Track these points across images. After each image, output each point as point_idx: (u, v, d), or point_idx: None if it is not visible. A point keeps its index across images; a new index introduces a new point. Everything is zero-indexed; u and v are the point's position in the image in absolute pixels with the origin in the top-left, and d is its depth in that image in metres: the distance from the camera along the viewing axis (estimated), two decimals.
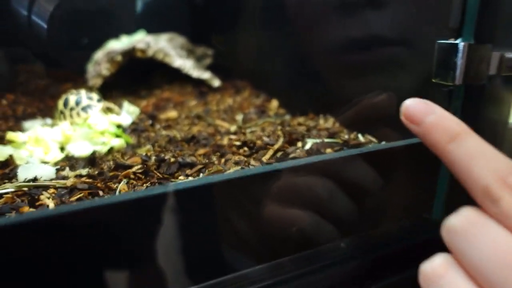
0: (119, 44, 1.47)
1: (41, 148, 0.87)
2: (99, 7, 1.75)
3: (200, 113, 1.19)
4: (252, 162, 0.75)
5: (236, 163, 0.77)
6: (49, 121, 1.08)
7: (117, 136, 0.98)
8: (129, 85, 1.58)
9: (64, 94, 1.07)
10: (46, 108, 1.30)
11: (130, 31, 1.66)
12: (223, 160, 0.79)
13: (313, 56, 1.00)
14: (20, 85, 1.56)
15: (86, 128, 0.94)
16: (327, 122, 0.98)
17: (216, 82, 1.44)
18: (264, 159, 0.77)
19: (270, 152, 0.79)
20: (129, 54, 1.41)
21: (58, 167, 0.76)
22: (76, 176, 0.73)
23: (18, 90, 1.49)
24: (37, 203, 0.60)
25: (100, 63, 1.42)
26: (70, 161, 0.83)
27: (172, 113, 1.21)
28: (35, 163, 0.75)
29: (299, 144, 0.84)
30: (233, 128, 1.09)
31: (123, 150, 0.91)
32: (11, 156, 0.77)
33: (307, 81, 1.10)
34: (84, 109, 1.01)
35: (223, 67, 1.65)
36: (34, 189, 0.64)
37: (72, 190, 0.64)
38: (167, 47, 1.47)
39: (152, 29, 1.69)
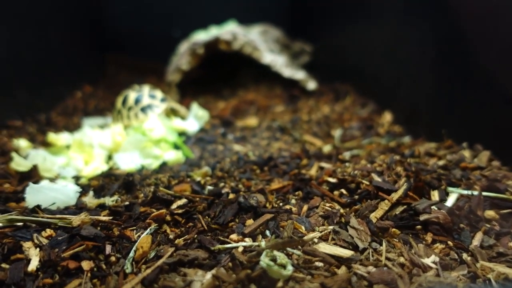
0: (204, 35, 1.29)
1: (82, 156, 0.70)
2: None
3: (286, 123, 0.92)
4: (353, 221, 0.45)
5: (325, 217, 0.48)
6: (110, 120, 0.93)
7: (176, 147, 0.77)
8: (212, 83, 1.40)
9: (126, 90, 0.90)
10: None
11: (223, 21, 1.47)
12: (305, 207, 0.51)
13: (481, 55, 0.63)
14: (105, 76, 1.49)
15: (139, 134, 0.74)
16: (479, 158, 0.61)
17: (312, 85, 1.15)
18: (374, 217, 0.46)
19: (384, 207, 0.48)
20: (213, 46, 1.21)
21: (82, 190, 0.57)
22: (97, 207, 0.52)
23: (102, 81, 1.42)
24: (14, 256, 0.40)
25: (182, 56, 1.25)
26: (107, 179, 0.64)
27: (252, 121, 0.97)
28: (54, 184, 0.56)
29: (435, 194, 0.51)
30: (326, 148, 0.80)
31: (177, 167, 0.69)
32: (35, 167, 0.60)
33: (448, 89, 0.74)
34: (143, 109, 0.83)
35: (323, 66, 1.35)
36: (28, 228, 0.44)
37: (72, 237, 0.43)
38: (257, 40, 1.23)
39: (246, 19, 1.48)
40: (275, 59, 1.18)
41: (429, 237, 0.43)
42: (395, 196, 0.49)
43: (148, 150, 0.72)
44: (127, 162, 0.71)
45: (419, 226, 0.45)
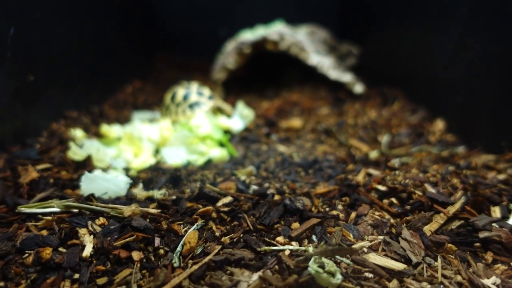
0: (251, 35, 1.29)
1: (132, 149, 0.72)
2: None
3: (331, 126, 0.90)
4: (405, 232, 0.43)
5: (375, 226, 0.46)
6: (158, 115, 0.95)
7: (221, 144, 0.78)
8: (256, 81, 1.40)
9: (174, 86, 0.92)
10: None
11: (269, 20, 1.47)
12: (353, 214, 0.49)
13: None
14: (153, 72, 1.54)
15: (186, 131, 0.76)
16: None
17: (359, 88, 1.12)
18: (428, 230, 0.44)
19: (440, 220, 0.45)
20: (260, 46, 1.21)
21: (132, 181, 0.59)
22: (146, 200, 0.54)
23: (150, 77, 1.46)
24: (70, 241, 0.42)
25: (228, 54, 1.26)
26: (155, 172, 0.65)
27: (296, 122, 0.95)
28: (106, 174, 0.59)
29: (495, 210, 0.47)
30: (373, 154, 0.77)
31: (222, 164, 0.70)
32: (89, 156, 0.63)
33: (507, 95, 0.69)
34: (191, 106, 0.84)
35: (371, 68, 1.31)
36: (83, 215, 0.46)
37: (124, 227, 0.44)
38: (304, 41, 1.21)
39: (294, 19, 1.47)
40: (322, 61, 1.16)
41: (489, 257, 0.40)
42: (451, 210, 0.46)
43: (194, 146, 0.73)
44: (174, 157, 0.72)
45: (478, 244, 0.42)
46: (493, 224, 0.43)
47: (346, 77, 1.14)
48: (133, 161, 0.71)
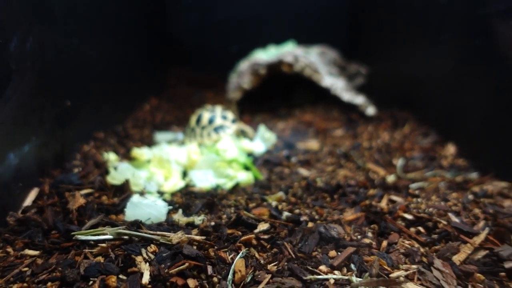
0: (265, 55, 1.34)
1: (162, 171, 0.76)
2: (248, 13, 1.68)
3: (348, 150, 0.94)
4: (437, 262, 0.47)
5: (406, 255, 0.50)
6: (180, 135, 0.99)
7: (246, 168, 0.81)
8: (268, 100, 1.44)
9: (199, 109, 0.96)
10: (183, 117, 1.24)
11: (279, 39, 1.52)
12: (384, 243, 0.53)
13: None
14: (168, 88, 1.58)
15: (213, 154, 0.79)
16: None
17: (371, 110, 1.16)
18: (457, 260, 0.48)
19: (467, 250, 0.49)
20: (275, 67, 1.25)
21: (171, 207, 0.62)
22: (187, 225, 0.57)
23: (165, 94, 1.50)
24: (130, 269, 0.45)
25: (243, 74, 1.31)
26: (188, 196, 0.69)
27: (313, 144, 1.00)
28: (146, 198, 0.62)
29: None
30: (390, 178, 0.81)
31: (250, 188, 0.73)
32: (127, 181, 0.66)
33: None
34: (216, 129, 0.88)
35: (379, 90, 1.36)
36: (133, 242, 0.50)
37: (175, 254, 0.47)
38: (317, 62, 1.26)
39: (303, 39, 1.52)
40: (335, 83, 1.21)
41: None
42: (477, 240, 0.50)
43: (221, 170, 0.77)
44: (203, 180, 0.76)
45: (503, 273, 0.46)
46: None
47: (359, 99, 1.19)
48: (164, 184, 0.74)
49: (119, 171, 0.71)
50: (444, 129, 1.00)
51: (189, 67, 1.76)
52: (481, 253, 0.49)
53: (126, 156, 0.83)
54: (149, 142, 0.97)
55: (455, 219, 0.55)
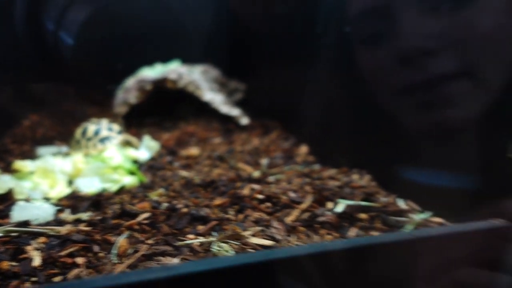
0: (151, 72, 1.44)
1: (47, 181, 0.81)
2: (136, 32, 1.76)
3: (223, 153, 1.11)
4: (275, 223, 0.65)
5: (256, 222, 0.67)
6: (64, 148, 1.03)
7: (131, 173, 0.91)
8: (154, 114, 1.54)
9: (84, 122, 1.02)
10: (67, 132, 1.25)
11: (166, 58, 1.64)
12: (241, 216, 0.69)
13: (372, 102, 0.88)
14: (47, 104, 1.55)
15: (99, 162, 0.87)
16: (363, 179, 0.86)
17: (244, 120, 1.36)
18: (289, 220, 0.66)
19: (296, 213, 0.68)
20: (160, 83, 1.37)
21: (59, 207, 0.69)
22: (75, 221, 0.65)
23: (44, 110, 1.48)
24: (21, 256, 0.52)
25: (129, 90, 1.39)
26: (74, 199, 0.76)
27: (194, 151, 1.14)
28: (32, 203, 0.68)
29: (330, 204, 0.73)
30: (256, 173, 1.00)
31: (134, 189, 0.83)
32: (10, 190, 0.70)
33: (344, 128, 1.00)
34: (102, 140, 0.95)
35: (254, 103, 1.58)
36: (23, 237, 0.56)
37: (65, 241, 0.56)
38: (199, 79, 1.42)
39: (188, 59, 1.66)
40: (214, 98, 1.38)
41: (323, 232, 0.64)
42: (303, 206, 0.70)
43: (107, 176, 0.85)
44: (89, 186, 0.83)
45: (318, 225, 0.66)
46: (326, 212, 0.68)
47: (235, 112, 1.38)
48: (50, 192, 0.79)
49: (1, 182, 0.74)
50: (299, 134, 1.25)
51: (72, 83, 1.74)
52: (306, 215, 0.69)
53: (7, 169, 0.85)
54: (31, 156, 0.98)
55: (292, 194, 0.75)
